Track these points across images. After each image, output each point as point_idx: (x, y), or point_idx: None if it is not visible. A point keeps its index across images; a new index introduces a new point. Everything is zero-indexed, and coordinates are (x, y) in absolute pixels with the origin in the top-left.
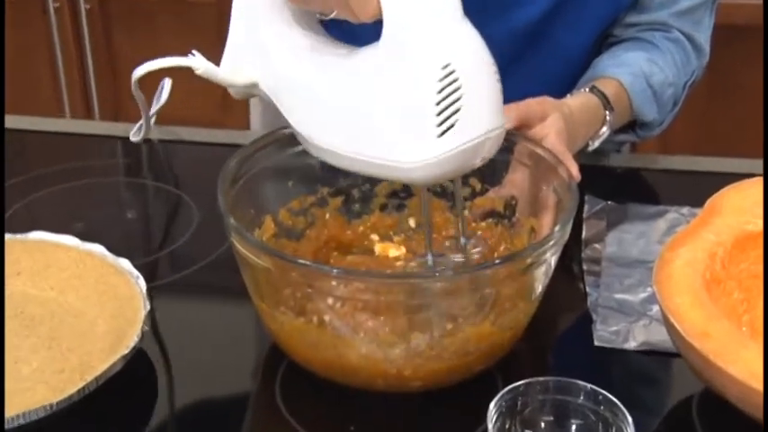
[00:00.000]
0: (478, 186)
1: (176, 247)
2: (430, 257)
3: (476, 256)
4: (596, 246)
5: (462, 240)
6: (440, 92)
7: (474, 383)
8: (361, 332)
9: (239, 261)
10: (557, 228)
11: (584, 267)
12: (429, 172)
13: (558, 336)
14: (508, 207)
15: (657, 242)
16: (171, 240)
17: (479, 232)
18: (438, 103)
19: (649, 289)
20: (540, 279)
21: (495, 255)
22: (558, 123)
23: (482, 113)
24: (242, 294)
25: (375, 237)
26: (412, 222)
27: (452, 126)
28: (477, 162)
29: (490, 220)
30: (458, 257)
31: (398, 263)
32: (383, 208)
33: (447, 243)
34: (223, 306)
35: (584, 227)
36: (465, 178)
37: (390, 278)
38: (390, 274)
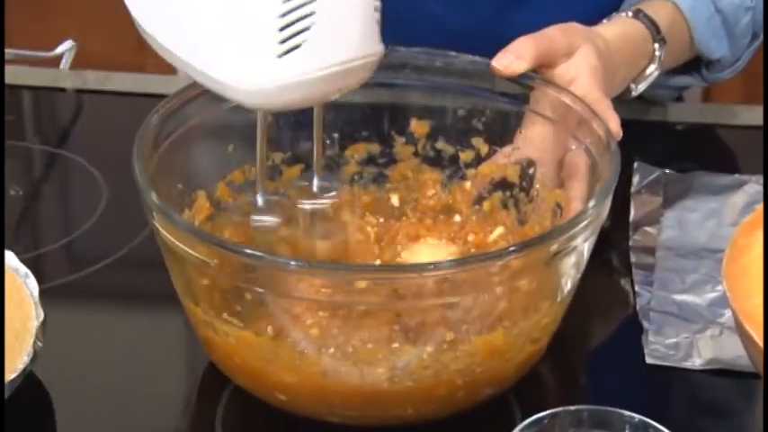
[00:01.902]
0: (484, 148)
1: (78, 235)
2: (260, 198)
3: (323, 205)
4: (648, 229)
5: (315, 182)
6: (286, 1)
7: (483, 414)
8: (331, 346)
9: (164, 252)
10: (591, 203)
11: (632, 259)
12: (269, 99)
13: (594, 350)
14: (524, 176)
15: (732, 224)
16: (71, 226)
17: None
18: (283, 15)
19: (720, 287)
20: (570, 273)
21: (507, 239)
22: (590, 60)
23: (343, 35)
24: (168, 298)
25: (347, 217)
26: (395, 200)
27: (298, 47)
28: (334, 94)
29: (500, 193)
30: (304, 203)
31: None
32: (355, 179)
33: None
34: (143, 314)
35: (631, 204)
36: (467, 138)
37: (369, 272)
38: (369, 267)
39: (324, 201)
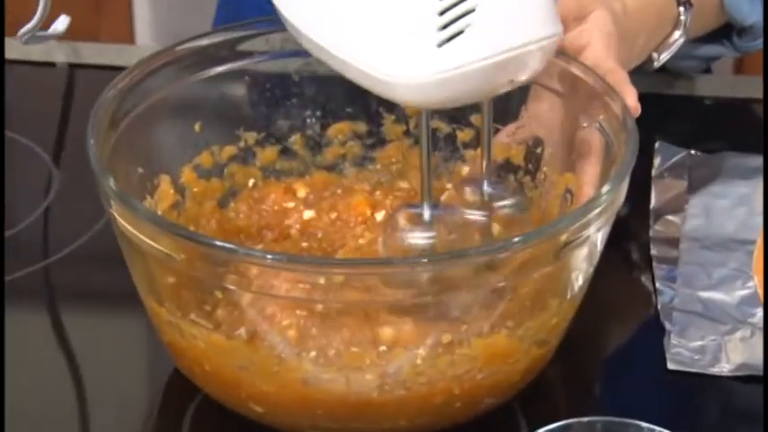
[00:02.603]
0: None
1: (23, 227)
2: (426, 210)
3: (507, 211)
4: (671, 218)
5: (485, 186)
6: None
7: (485, 426)
8: (312, 350)
9: (123, 246)
10: (605, 188)
11: (653, 251)
12: (429, 94)
13: (609, 354)
14: (530, 157)
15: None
16: (16, 217)
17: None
18: None
19: (751, 283)
20: (581, 267)
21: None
22: (605, 25)
23: (513, 15)
24: (128, 297)
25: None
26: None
27: (461, 32)
28: (504, 87)
29: (503, 176)
30: (475, 214)
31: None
32: (335, 165)
33: (465, 191)
34: (98, 316)
35: (652, 189)
36: (465, 115)
37: (354, 266)
38: (354, 260)
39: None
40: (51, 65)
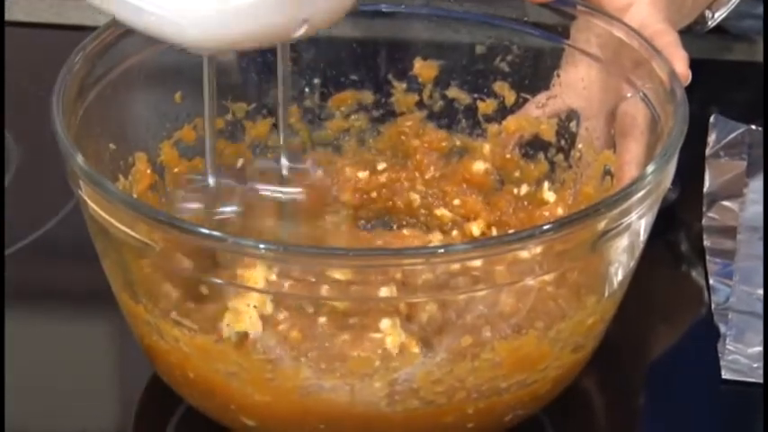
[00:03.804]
0: (510, 97)
1: None
2: (211, 177)
3: (295, 194)
4: (728, 204)
5: (283, 161)
6: None
7: None
8: (312, 354)
9: (94, 233)
10: (650, 168)
11: (706, 243)
12: (212, 32)
13: (654, 361)
14: (564, 132)
15: None
16: None
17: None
18: None
19: None
20: (622, 260)
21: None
22: None
23: None
24: (99, 292)
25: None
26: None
27: None
28: (298, 25)
29: (531, 153)
30: (263, 187)
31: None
32: (341, 138)
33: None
34: (65, 314)
35: (706, 170)
36: (488, 83)
37: (363, 257)
38: (363, 250)
39: (292, 189)
40: (10, 24)
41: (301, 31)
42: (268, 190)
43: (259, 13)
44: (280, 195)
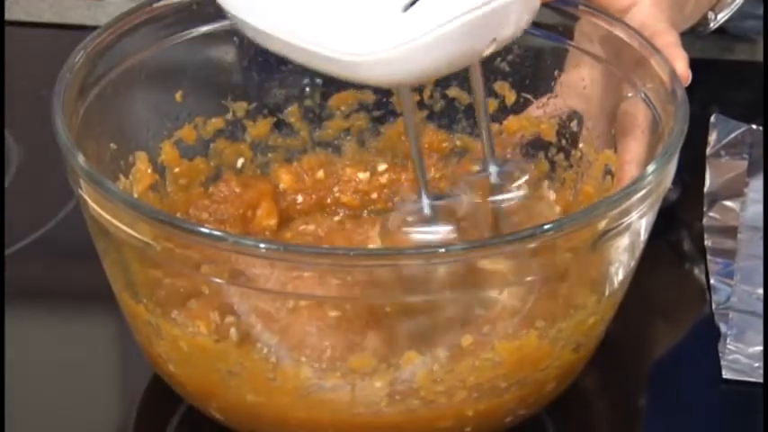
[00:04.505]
0: (511, 97)
1: None
2: (426, 201)
3: (515, 196)
4: (728, 204)
5: (492, 167)
6: None
7: None
8: (312, 354)
9: (94, 233)
10: (650, 167)
11: (707, 242)
12: (399, 67)
13: (655, 360)
14: (565, 132)
15: None
16: None
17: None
18: None
19: None
20: (623, 259)
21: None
22: None
23: None
24: (100, 293)
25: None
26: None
27: None
28: (487, 47)
29: (532, 153)
30: (481, 200)
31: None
32: (341, 137)
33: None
34: (66, 314)
35: (707, 170)
36: (488, 83)
37: (363, 257)
38: (363, 250)
39: (516, 192)
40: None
41: (489, 51)
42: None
43: (448, 45)
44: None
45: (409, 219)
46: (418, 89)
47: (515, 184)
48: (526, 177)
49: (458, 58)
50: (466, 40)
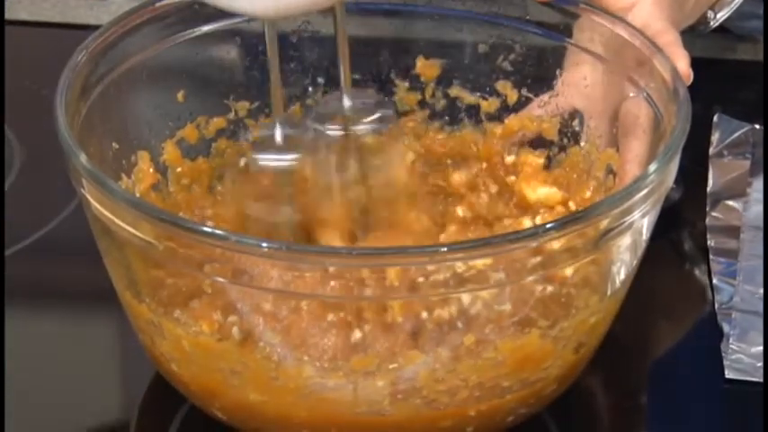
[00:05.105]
0: (512, 96)
1: None
2: (278, 130)
3: (371, 126)
4: (731, 203)
5: (345, 101)
6: None
7: None
8: (314, 353)
9: (97, 233)
10: (652, 166)
11: (710, 242)
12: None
13: (657, 360)
14: (566, 131)
15: None
16: None
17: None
18: None
19: None
20: (625, 259)
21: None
22: None
23: None
24: (102, 293)
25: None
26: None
27: None
28: None
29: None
30: (335, 130)
31: None
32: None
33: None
34: (68, 313)
35: (709, 169)
36: (490, 82)
37: (364, 256)
38: (364, 249)
39: (368, 124)
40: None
41: None
42: (335, 129)
43: None
44: (346, 133)
45: (261, 143)
46: (419, 89)
47: (369, 119)
48: (382, 113)
49: None
50: None
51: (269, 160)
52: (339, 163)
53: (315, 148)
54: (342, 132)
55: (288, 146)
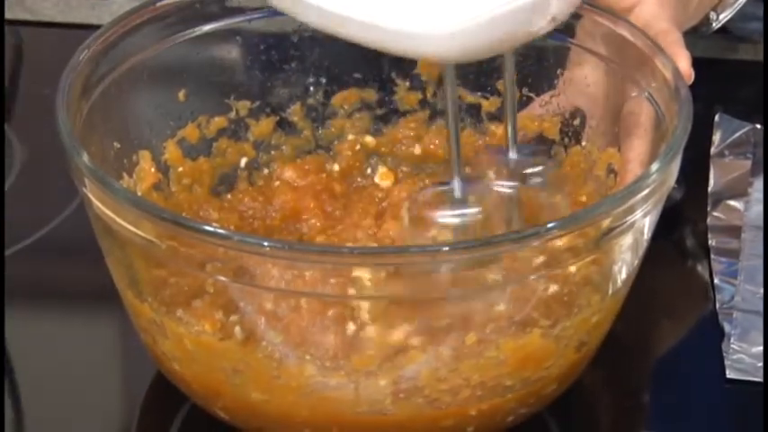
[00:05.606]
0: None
1: None
2: (457, 185)
3: (538, 179)
4: (733, 203)
5: (511, 154)
6: None
7: None
8: (317, 353)
9: (98, 232)
10: (654, 166)
11: (711, 242)
12: (456, 45)
13: (658, 360)
14: (568, 131)
15: None
16: None
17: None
18: None
19: None
20: (626, 258)
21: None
22: None
23: None
24: (104, 291)
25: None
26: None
27: None
28: (545, 26)
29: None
30: (503, 185)
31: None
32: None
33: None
34: (70, 313)
35: (710, 169)
36: (491, 82)
37: (367, 255)
38: (367, 249)
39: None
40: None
41: (547, 29)
42: (506, 186)
43: (515, 19)
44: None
45: (436, 201)
46: (420, 88)
47: (533, 171)
48: (544, 166)
49: (518, 35)
50: (529, 17)
51: (450, 216)
52: (507, 217)
53: (488, 202)
54: (509, 187)
55: (467, 201)
